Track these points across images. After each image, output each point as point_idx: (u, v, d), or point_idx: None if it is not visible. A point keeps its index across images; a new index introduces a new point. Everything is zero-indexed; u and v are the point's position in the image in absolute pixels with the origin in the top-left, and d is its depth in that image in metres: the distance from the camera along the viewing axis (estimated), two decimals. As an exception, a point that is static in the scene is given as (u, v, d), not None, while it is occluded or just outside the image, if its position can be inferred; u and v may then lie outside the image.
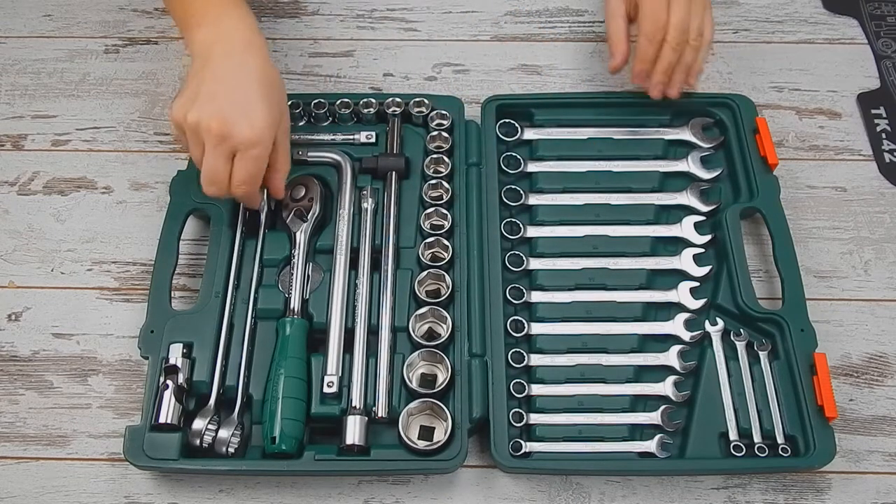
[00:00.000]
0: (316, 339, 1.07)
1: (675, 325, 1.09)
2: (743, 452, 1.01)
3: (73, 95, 1.32)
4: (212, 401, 1.02)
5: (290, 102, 1.20)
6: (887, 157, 1.25)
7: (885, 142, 1.26)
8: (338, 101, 1.22)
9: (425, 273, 1.10)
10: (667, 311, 1.11)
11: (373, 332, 1.07)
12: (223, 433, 1.00)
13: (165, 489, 1.02)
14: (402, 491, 1.03)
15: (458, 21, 1.40)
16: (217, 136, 1.00)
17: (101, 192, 1.23)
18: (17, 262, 1.17)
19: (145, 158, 1.26)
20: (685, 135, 1.22)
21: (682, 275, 1.13)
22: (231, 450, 1.00)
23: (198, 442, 0.99)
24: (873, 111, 1.29)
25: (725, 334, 1.09)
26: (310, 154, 1.19)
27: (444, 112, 1.22)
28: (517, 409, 1.04)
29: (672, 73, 1.17)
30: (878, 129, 1.27)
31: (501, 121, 1.23)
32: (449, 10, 1.41)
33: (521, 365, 1.06)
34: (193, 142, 1.03)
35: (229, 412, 1.02)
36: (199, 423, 1.00)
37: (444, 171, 1.18)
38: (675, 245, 1.15)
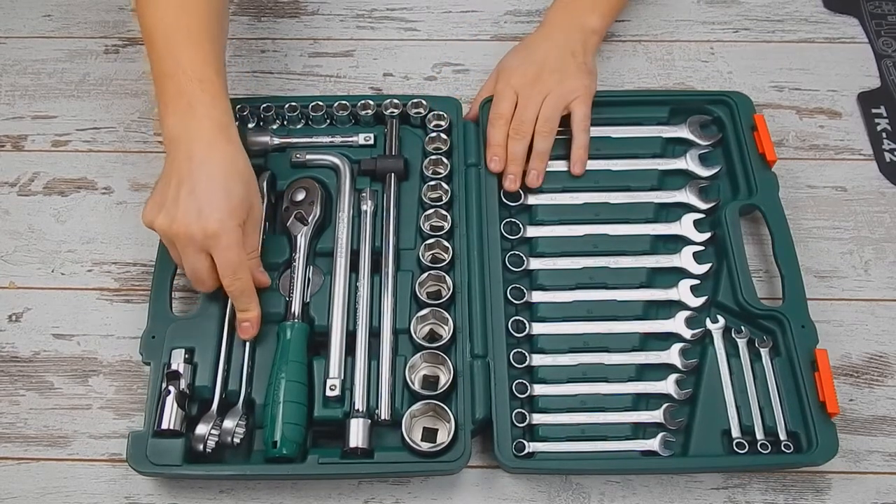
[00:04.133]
0: (318, 343, 1.07)
1: (676, 323, 1.10)
2: (746, 449, 1.02)
3: (73, 96, 1.31)
4: (214, 406, 1.02)
5: (287, 105, 1.21)
6: (888, 156, 1.25)
7: (885, 141, 1.26)
8: (335, 104, 1.22)
9: (426, 274, 1.10)
10: (668, 309, 1.11)
11: (374, 334, 1.07)
12: (228, 423, 1.00)
13: (166, 490, 1.02)
14: (402, 491, 1.03)
15: (458, 21, 1.40)
16: (184, 240, 1.00)
17: (102, 192, 1.23)
18: (17, 262, 1.17)
19: (145, 159, 1.25)
20: (683, 133, 1.22)
21: (683, 272, 1.13)
22: (237, 440, 1.00)
23: (201, 447, 0.99)
24: (874, 110, 1.29)
25: (726, 331, 1.09)
26: (308, 156, 1.19)
27: (442, 113, 1.22)
28: (520, 410, 1.04)
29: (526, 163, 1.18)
30: (879, 128, 1.27)
31: (500, 120, 1.23)
32: (449, 9, 1.41)
33: (523, 365, 1.07)
34: (169, 246, 1.05)
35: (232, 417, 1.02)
36: (202, 429, 1.00)
37: (442, 172, 1.18)
38: (675, 243, 1.16)
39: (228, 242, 1.00)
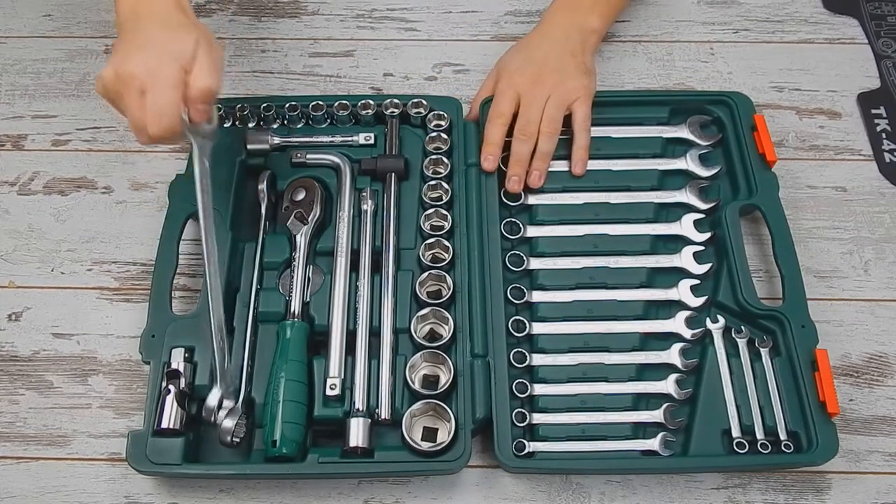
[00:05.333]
0: (318, 342, 1.07)
1: (677, 323, 1.10)
2: (746, 449, 1.02)
3: (73, 95, 1.31)
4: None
5: (287, 104, 1.21)
6: (887, 157, 1.25)
7: (885, 142, 1.26)
8: (336, 103, 1.22)
9: (426, 274, 1.10)
10: (668, 308, 1.11)
11: (374, 333, 1.07)
12: (227, 423, 1.00)
13: (165, 489, 1.02)
14: (402, 491, 1.03)
15: (458, 21, 1.40)
16: (122, 82, 0.97)
17: (101, 192, 1.23)
18: (17, 261, 1.17)
19: (145, 158, 1.25)
20: (683, 133, 1.22)
21: (683, 272, 1.13)
22: (236, 439, 1.00)
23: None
24: (873, 111, 1.29)
25: (727, 331, 1.09)
26: (308, 156, 1.19)
27: (442, 113, 1.22)
28: (520, 409, 1.04)
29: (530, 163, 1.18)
30: (879, 129, 1.28)
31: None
32: (449, 10, 1.41)
33: (524, 365, 1.07)
34: (114, 102, 1.00)
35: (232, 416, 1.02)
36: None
37: (443, 171, 1.18)
38: (675, 243, 1.16)
39: (163, 83, 0.96)
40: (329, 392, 1.02)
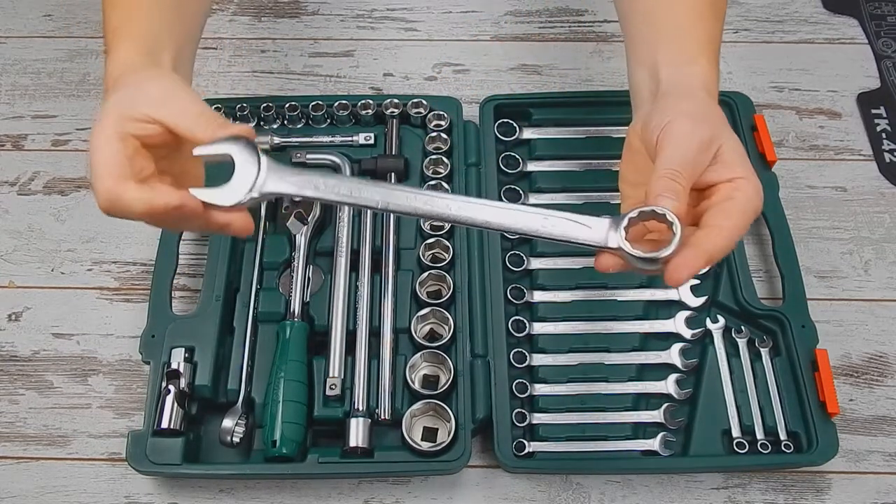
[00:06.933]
0: (318, 342, 1.07)
1: (677, 323, 1.09)
2: (746, 449, 1.02)
3: (73, 95, 1.31)
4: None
5: (287, 104, 1.21)
6: (887, 156, 1.25)
7: (885, 142, 1.26)
8: (336, 103, 1.22)
9: (426, 274, 1.10)
10: (668, 308, 1.11)
11: (374, 333, 1.07)
12: (227, 422, 1.00)
13: (165, 489, 1.02)
14: (402, 490, 1.03)
15: (458, 21, 1.40)
16: None
17: (101, 192, 1.23)
18: (17, 262, 1.17)
19: (145, 159, 1.25)
20: (684, 133, 1.22)
21: (683, 273, 1.13)
22: (236, 439, 1.00)
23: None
24: (873, 111, 1.29)
25: (727, 331, 1.09)
26: (308, 156, 1.19)
27: (442, 113, 1.22)
28: (520, 409, 1.04)
29: None
30: (878, 128, 1.28)
31: (500, 121, 1.22)
32: (449, 10, 1.41)
33: (524, 365, 1.07)
34: None
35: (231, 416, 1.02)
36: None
37: (443, 171, 1.18)
38: (676, 244, 1.15)
39: (97, 169, 0.74)
40: (329, 392, 1.02)
